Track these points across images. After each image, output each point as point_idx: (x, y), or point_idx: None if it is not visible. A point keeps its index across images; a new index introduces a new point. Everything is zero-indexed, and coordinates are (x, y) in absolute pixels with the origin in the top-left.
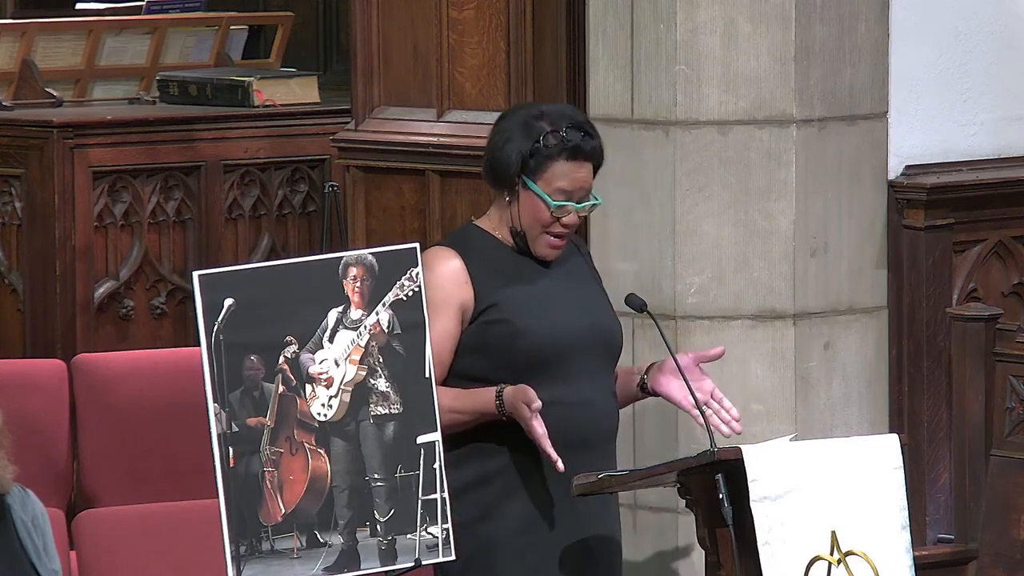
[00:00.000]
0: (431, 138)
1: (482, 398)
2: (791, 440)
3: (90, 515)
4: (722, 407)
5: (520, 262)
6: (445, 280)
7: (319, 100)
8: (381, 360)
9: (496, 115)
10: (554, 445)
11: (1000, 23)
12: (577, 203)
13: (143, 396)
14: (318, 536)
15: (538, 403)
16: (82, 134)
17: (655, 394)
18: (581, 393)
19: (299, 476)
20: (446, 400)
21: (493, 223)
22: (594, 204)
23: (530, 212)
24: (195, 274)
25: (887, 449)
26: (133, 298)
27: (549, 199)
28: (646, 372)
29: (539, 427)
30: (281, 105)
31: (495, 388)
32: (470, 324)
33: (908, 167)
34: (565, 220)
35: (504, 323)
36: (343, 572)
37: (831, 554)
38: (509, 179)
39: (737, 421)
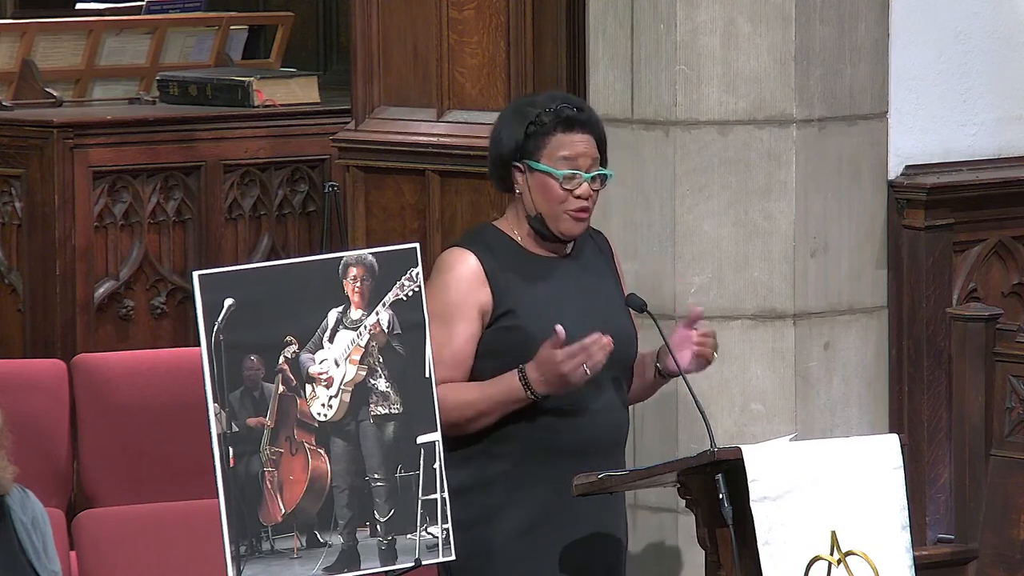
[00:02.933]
0: (431, 138)
1: (508, 384)
2: (791, 440)
3: (90, 515)
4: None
5: (537, 264)
6: (464, 282)
7: (319, 100)
8: (381, 360)
9: (496, 115)
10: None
11: (1000, 23)
12: (585, 172)
13: (143, 396)
14: (318, 536)
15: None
16: (82, 134)
17: (671, 374)
18: (591, 402)
19: (299, 476)
20: (471, 395)
21: (510, 223)
22: (605, 175)
23: (541, 192)
24: (195, 274)
25: (887, 449)
26: (133, 298)
27: (554, 170)
28: (657, 359)
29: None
30: (281, 105)
31: (516, 374)
32: (487, 328)
33: (908, 167)
34: (577, 192)
35: (518, 330)
36: (343, 572)
37: (831, 554)
38: (509, 167)
39: (708, 346)
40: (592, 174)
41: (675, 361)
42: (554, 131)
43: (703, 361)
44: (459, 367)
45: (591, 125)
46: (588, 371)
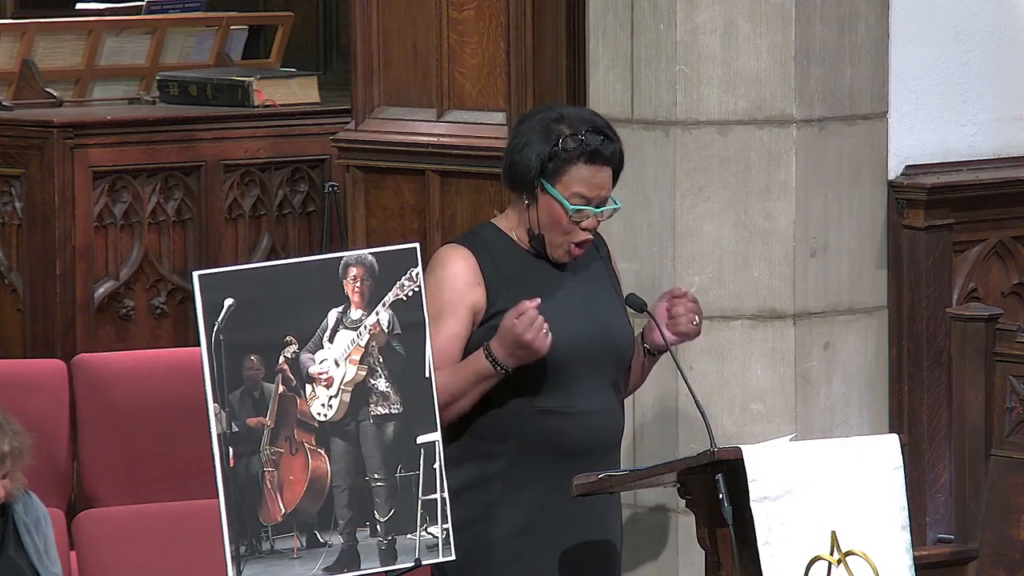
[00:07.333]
0: (431, 138)
1: (476, 363)
2: (791, 440)
3: (90, 515)
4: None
5: (534, 265)
6: (457, 280)
7: (319, 100)
8: (381, 360)
9: (496, 115)
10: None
11: (1000, 23)
12: (596, 207)
13: (143, 396)
14: (318, 536)
15: (531, 304)
16: (82, 134)
17: (659, 349)
18: (584, 403)
19: (299, 476)
20: (443, 380)
21: (511, 224)
22: (614, 208)
23: (548, 216)
24: (195, 274)
25: (887, 449)
26: (133, 298)
27: (567, 203)
28: (644, 339)
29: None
30: (281, 105)
31: (482, 352)
32: (480, 326)
33: (908, 167)
34: (584, 224)
35: None
36: (343, 572)
37: (831, 554)
38: (528, 183)
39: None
40: (601, 209)
41: (661, 334)
42: (576, 161)
43: (687, 331)
44: (442, 364)
45: (613, 159)
46: (549, 333)
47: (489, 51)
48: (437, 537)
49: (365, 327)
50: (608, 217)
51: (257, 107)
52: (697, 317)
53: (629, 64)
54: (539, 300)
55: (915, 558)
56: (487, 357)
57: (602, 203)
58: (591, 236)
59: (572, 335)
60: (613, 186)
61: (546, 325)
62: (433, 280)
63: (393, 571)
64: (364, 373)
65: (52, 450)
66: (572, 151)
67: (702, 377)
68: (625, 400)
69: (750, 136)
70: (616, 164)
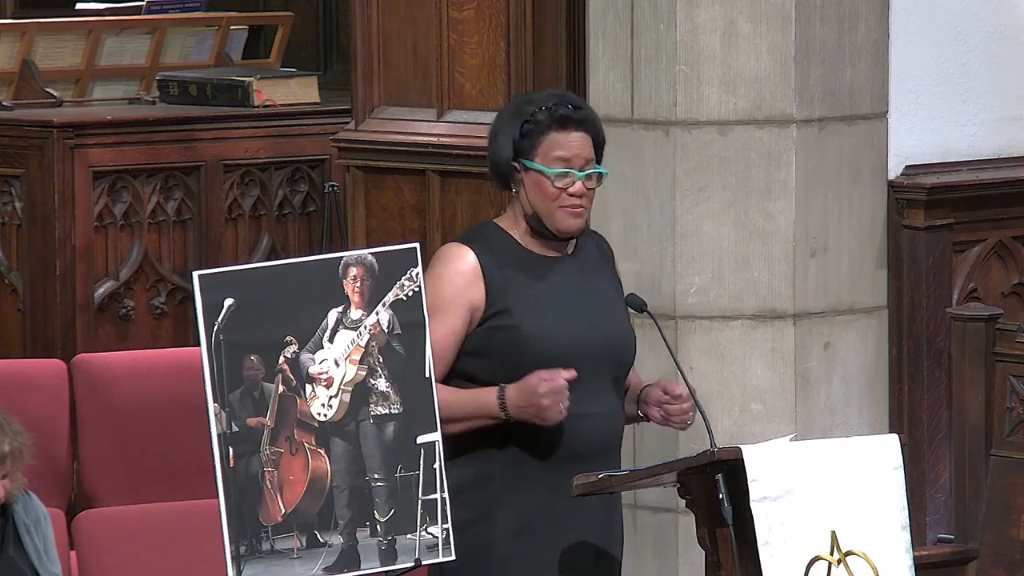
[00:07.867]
0: (431, 138)
1: (484, 397)
2: (791, 440)
3: (90, 515)
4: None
5: (536, 263)
6: (458, 277)
7: (319, 100)
8: (381, 360)
9: (496, 114)
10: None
11: (1000, 23)
12: (579, 171)
13: (143, 396)
14: (318, 536)
15: (566, 375)
16: (82, 134)
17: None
18: (585, 405)
19: (299, 476)
20: (446, 399)
21: (510, 223)
22: (600, 173)
23: (535, 189)
24: (195, 274)
25: (887, 449)
26: (133, 298)
27: (547, 169)
28: (639, 405)
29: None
30: (281, 105)
31: (496, 389)
32: (478, 326)
33: (908, 167)
34: (571, 190)
35: (511, 329)
36: (343, 572)
37: (831, 554)
38: (508, 167)
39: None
40: (586, 172)
41: (690, 388)
42: (549, 130)
43: (680, 427)
44: (435, 360)
45: (587, 124)
46: (564, 411)
47: (489, 51)
48: (437, 537)
49: (365, 327)
50: (597, 184)
51: (257, 107)
52: (690, 416)
53: (629, 64)
54: (574, 373)
55: (915, 558)
56: (499, 400)
57: (584, 167)
58: (582, 201)
59: (573, 338)
60: (599, 160)
61: (567, 402)
62: (434, 276)
63: (393, 571)
64: (364, 373)
65: (52, 450)
66: (542, 122)
67: (702, 377)
68: None
69: (750, 136)
70: (591, 129)
